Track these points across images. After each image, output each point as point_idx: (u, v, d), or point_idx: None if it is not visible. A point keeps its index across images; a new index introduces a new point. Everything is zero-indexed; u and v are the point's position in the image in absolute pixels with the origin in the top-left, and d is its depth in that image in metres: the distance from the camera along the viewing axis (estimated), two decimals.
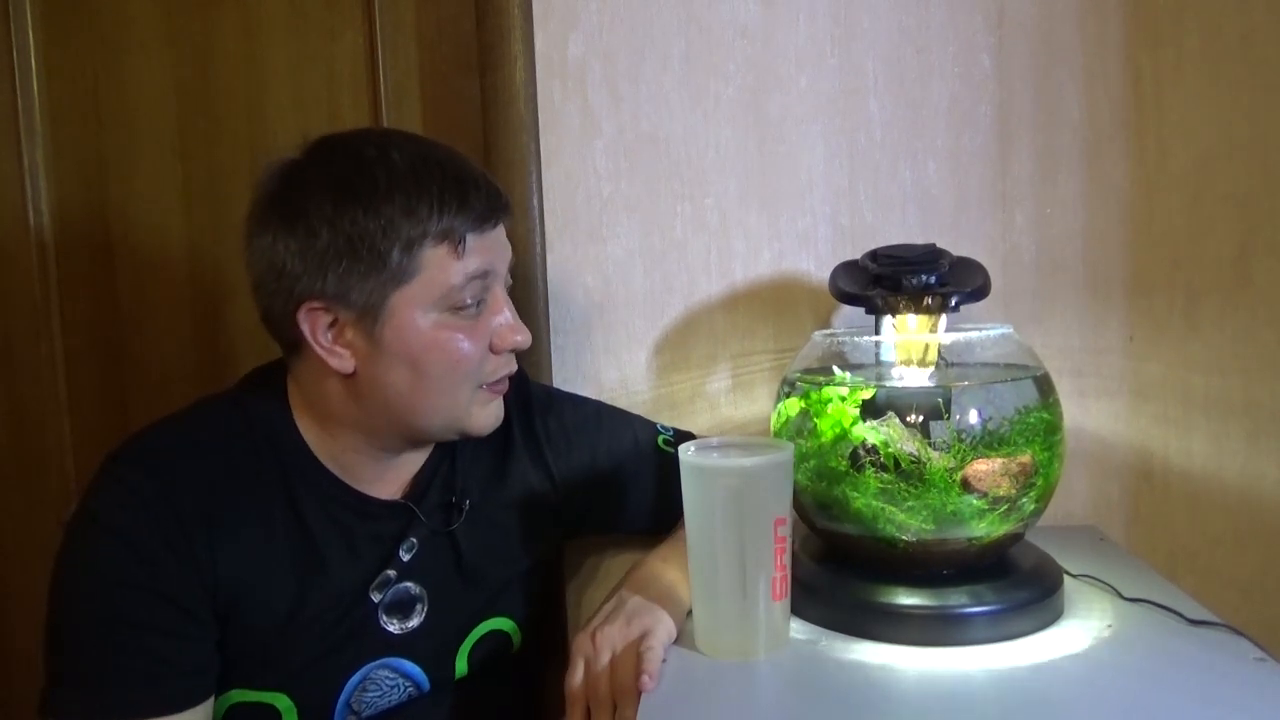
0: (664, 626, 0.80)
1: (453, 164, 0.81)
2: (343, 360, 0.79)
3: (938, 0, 1.11)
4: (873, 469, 0.80)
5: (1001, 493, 0.79)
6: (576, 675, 0.79)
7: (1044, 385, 0.85)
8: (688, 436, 1.06)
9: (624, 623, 0.80)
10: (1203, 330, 1.07)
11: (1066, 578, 0.87)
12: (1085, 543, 1.03)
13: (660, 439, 1.03)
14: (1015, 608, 0.79)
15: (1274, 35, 1.02)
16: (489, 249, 0.82)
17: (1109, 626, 0.80)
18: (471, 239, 0.79)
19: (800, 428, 0.86)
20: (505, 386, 0.88)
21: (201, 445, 0.82)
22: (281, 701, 0.83)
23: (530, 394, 1.00)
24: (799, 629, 0.82)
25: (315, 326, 0.79)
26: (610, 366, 1.17)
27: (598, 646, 0.79)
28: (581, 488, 0.98)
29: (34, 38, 1.21)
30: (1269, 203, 1.04)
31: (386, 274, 0.77)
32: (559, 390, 1.08)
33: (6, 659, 1.25)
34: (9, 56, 1.19)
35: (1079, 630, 0.79)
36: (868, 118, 1.13)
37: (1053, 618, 0.81)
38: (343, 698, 0.86)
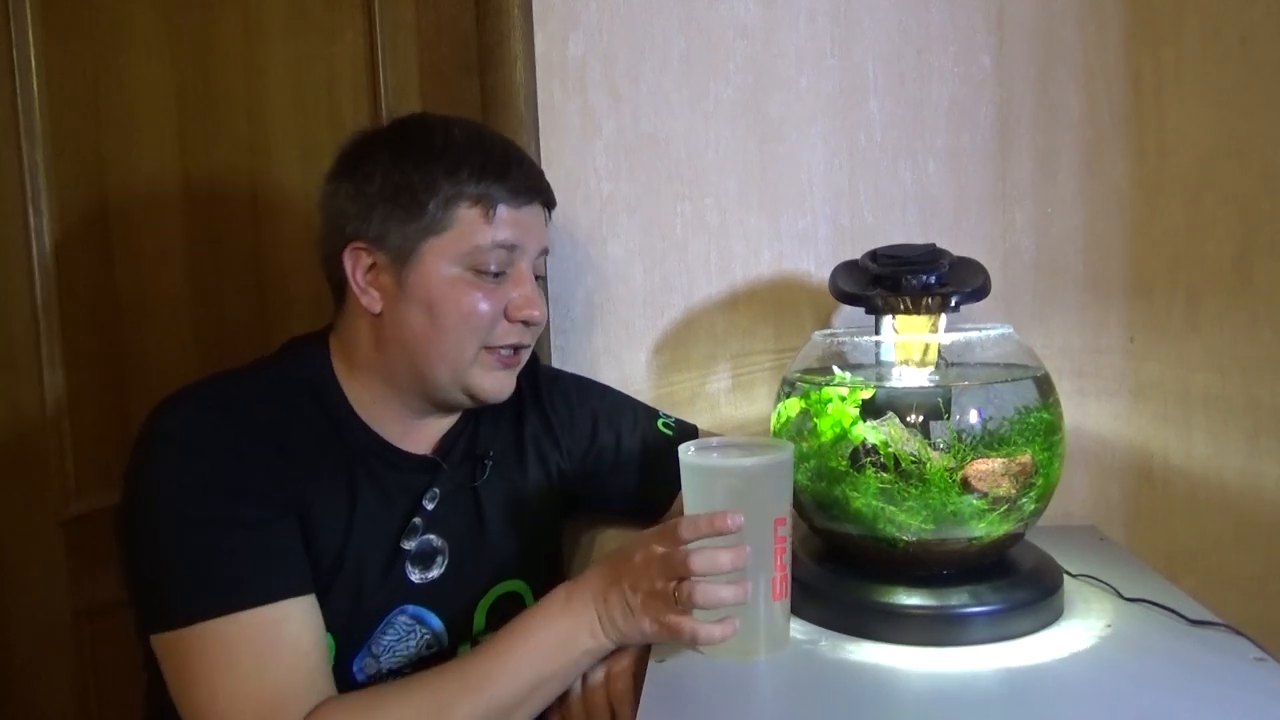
0: (636, 648, 0.81)
1: (503, 146, 0.91)
2: (372, 300, 0.87)
3: (938, 0, 1.11)
4: (873, 469, 0.80)
5: (1001, 493, 0.79)
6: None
7: (1044, 385, 0.85)
8: (689, 427, 1.07)
9: None
10: (1203, 330, 1.07)
11: (1066, 578, 0.87)
12: (1085, 543, 1.03)
13: (660, 422, 1.05)
14: (1015, 608, 0.79)
15: (1274, 35, 1.02)
16: (520, 224, 0.88)
17: (1109, 626, 0.80)
18: (504, 210, 0.87)
19: (800, 428, 0.86)
20: (515, 360, 0.92)
21: (257, 392, 0.87)
22: (328, 640, 0.86)
23: (539, 371, 1.05)
24: (799, 629, 0.82)
25: (356, 265, 0.87)
26: (610, 366, 1.17)
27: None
28: (583, 456, 1.03)
29: (34, 37, 1.20)
30: (1269, 203, 1.04)
31: (422, 223, 0.85)
32: (565, 371, 1.12)
33: (6, 659, 1.25)
34: (9, 56, 1.19)
35: (1079, 630, 0.79)
36: (868, 118, 1.13)
37: (1053, 618, 0.81)
38: (365, 643, 0.89)
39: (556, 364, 1.16)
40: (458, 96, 1.18)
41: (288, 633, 0.76)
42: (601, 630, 0.78)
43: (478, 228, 0.86)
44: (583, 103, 1.15)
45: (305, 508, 0.84)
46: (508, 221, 0.87)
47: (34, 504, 1.23)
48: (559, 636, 0.78)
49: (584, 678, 0.81)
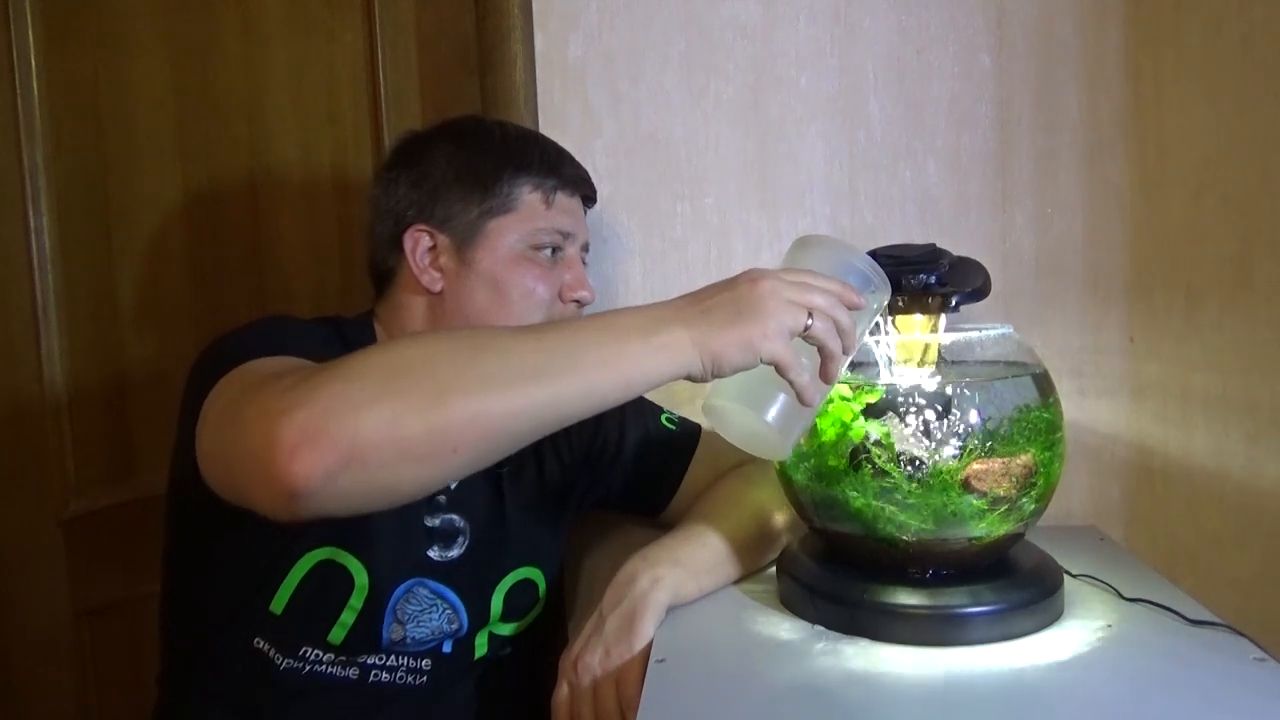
0: (642, 650, 0.80)
1: (553, 142, 1.00)
2: (433, 280, 0.92)
3: (938, 0, 1.11)
4: (872, 469, 0.80)
5: (1001, 493, 0.79)
6: (562, 691, 0.82)
7: (1044, 385, 0.85)
8: (692, 425, 1.07)
9: (604, 653, 0.81)
10: (1203, 330, 1.07)
11: (1066, 578, 0.87)
12: (1085, 543, 1.03)
13: (663, 417, 1.06)
14: (1015, 608, 0.79)
15: (1274, 35, 1.02)
16: (572, 213, 0.96)
17: (1109, 626, 0.79)
18: (560, 197, 0.94)
19: None
20: None
21: (319, 335, 0.90)
22: (361, 577, 0.88)
23: None
24: (799, 629, 0.82)
25: (416, 247, 0.92)
26: None
27: (579, 674, 0.81)
28: (587, 447, 1.04)
29: (34, 38, 1.20)
30: (1269, 203, 1.03)
31: (489, 204, 0.91)
32: None
33: (6, 659, 1.25)
34: (9, 56, 1.19)
35: (1079, 630, 0.79)
36: (868, 118, 1.13)
37: (1053, 618, 0.81)
38: (391, 602, 0.90)
39: None
40: (458, 97, 1.18)
41: None
42: (690, 340, 0.68)
43: (539, 212, 0.93)
44: (583, 103, 1.15)
45: None
46: (563, 209, 0.94)
47: (34, 504, 1.23)
48: (639, 323, 0.70)
49: (572, 688, 0.81)
